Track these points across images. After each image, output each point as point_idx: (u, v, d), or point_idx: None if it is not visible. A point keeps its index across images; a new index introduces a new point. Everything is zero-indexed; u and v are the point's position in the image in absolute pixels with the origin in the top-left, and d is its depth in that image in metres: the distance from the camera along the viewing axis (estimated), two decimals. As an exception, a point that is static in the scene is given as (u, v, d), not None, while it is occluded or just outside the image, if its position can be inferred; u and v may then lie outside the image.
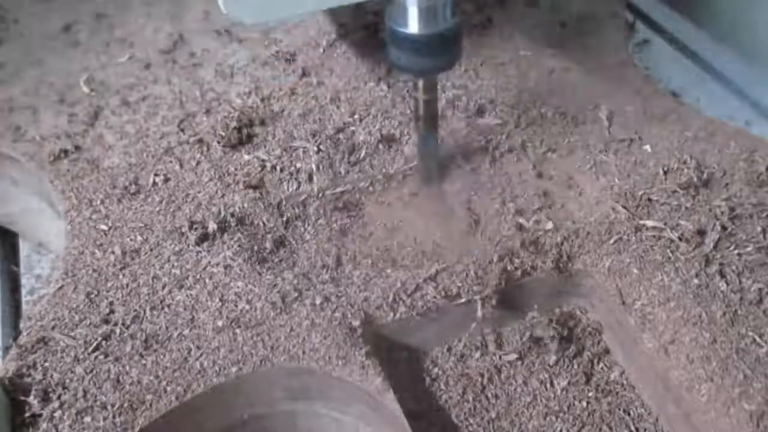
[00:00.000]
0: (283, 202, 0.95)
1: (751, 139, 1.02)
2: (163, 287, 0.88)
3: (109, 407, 0.77)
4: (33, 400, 0.77)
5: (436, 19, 0.80)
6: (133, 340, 0.82)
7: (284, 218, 0.95)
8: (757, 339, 0.78)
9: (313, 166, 0.99)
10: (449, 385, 0.85)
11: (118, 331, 0.83)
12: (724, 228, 0.89)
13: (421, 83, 0.88)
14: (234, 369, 0.80)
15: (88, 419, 0.76)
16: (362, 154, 1.00)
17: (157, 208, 0.96)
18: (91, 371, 0.80)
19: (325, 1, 0.83)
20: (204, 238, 0.92)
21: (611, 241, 0.89)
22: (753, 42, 1.23)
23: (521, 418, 0.82)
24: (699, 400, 0.75)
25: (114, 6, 1.34)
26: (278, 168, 1.00)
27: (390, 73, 1.13)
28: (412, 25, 0.80)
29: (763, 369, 0.76)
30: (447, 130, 1.03)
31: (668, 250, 0.87)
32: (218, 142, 1.04)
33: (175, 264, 0.90)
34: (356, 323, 0.83)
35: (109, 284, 0.88)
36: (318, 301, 0.85)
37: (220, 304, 0.86)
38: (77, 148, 1.06)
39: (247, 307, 0.85)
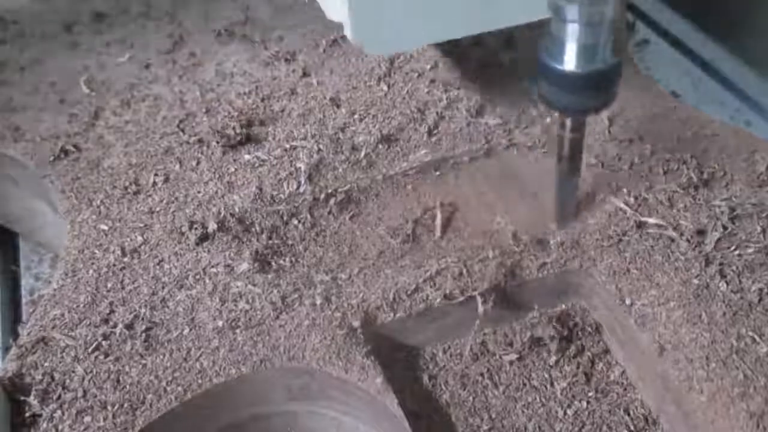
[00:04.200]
0: (284, 202, 0.95)
1: (751, 139, 1.01)
2: (163, 287, 0.88)
3: (109, 407, 0.77)
4: (33, 400, 0.77)
5: (594, 57, 0.75)
6: (133, 340, 0.82)
7: (284, 218, 0.95)
8: (757, 339, 0.78)
9: (314, 166, 0.99)
10: (449, 385, 0.85)
11: (118, 331, 0.83)
12: (724, 228, 0.89)
13: (569, 121, 0.83)
14: (234, 369, 0.80)
15: (88, 419, 0.76)
16: (362, 154, 1.00)
17: (157, 208, 0.96)
18: (91, 371, 0.80)
19: (463, 28, 0.79)
20: (204, 238, 0.92)
21: (611, 241, 0.89)
22: (753, 42, 1.23)
23: (521, 419, 0.82)
24: (699, 400, 0.75)
25: (114, 6, 1.34)
26: (278, 168, 1.00)
27: (390, 73, 1.13)
28: (569, 62, 0.75)
29: (763, 369, 0.76)
30: (447, 129, 1.03)
31: (668, 250, 0.87)
32: (218, 142, 1.04)
33: (175, 264, 0.90)
34: (356, 323, 0.83)
35: (109, 284, 0.88)
36: (318, 301, 0.85)
37: (220, 304, 0.86)
38: (77, 148, 1.06)
39: (247, 307, 0.85)
